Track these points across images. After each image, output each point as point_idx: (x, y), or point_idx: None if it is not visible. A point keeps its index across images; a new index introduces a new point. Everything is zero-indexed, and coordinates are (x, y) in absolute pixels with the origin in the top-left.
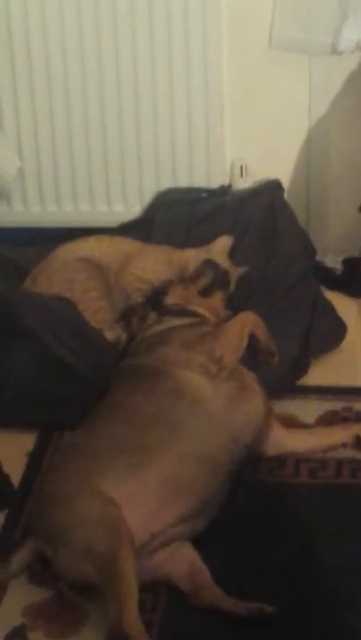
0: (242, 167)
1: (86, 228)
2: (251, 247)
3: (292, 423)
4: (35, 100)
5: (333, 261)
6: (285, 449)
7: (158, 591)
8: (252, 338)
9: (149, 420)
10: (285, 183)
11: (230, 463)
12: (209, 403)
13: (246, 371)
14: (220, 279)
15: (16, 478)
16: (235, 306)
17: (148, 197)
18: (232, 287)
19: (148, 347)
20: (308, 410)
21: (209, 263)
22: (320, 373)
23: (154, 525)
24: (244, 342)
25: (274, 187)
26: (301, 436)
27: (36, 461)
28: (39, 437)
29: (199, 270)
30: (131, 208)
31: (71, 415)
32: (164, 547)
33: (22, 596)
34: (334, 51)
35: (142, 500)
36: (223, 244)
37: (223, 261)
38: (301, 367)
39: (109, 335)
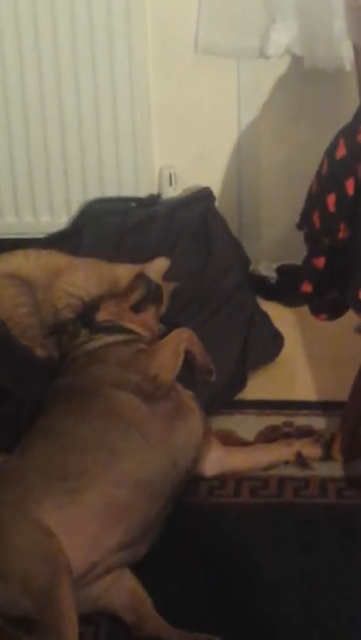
0: (171, 175)
1: (11, 239)
2: (183, 258)
3: (231, 440)
4: None
5: (268, 269)
6: (226, 468)
7: (99, 623)
8: (188, 355)
9: (85, 443)
10: (216, 191)
11: (170, 487)
12: (145, 424)
13: (183, 389)
14: (153, 294)
15: None
16: (168, 320)
17: (75, 207)
18: (165, 304)
19: (81, 366)
20: (248, 425)
21: (141, 278)
22: (258, 387)
23: (93, 554)
24: (180, 360)
25: (205, 195)
26: (241, 454)
27: None
28: None
29: (131, 285)
30: (57, 219)
31: (2, 437)
32: (104, 576)
33: None
34: (263, 55)
35: (80, 528)
36: (159, 264)
37: (157, 281)
38: (239, 382)
39: (40, 353)
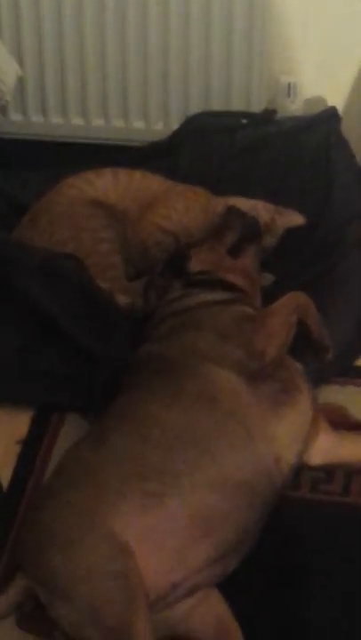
0: (289, 85)
1: (96, 144)
2: (297, 192)
3: (340, 419)
4: None
5: None
6: (334, 458)
7: None
8: (302, 326)
9: (173, 436)
10: (339, 107)
11: (270, 489)
12: (248, 414)
13: (291, 362)
14: (250, 230)
15: (6, 474)
16: (275, 265)
17: (173, 115)
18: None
19: (172, 329)
20: (360, 401)
21: (233, 212)
22: None
23: (176, 572)
24: (291, 333)
25: (328, 116)
26: (355, 442)
27: (30, 452)
28: (34, 421)
29: (223, 223)
30: (152, 126)
31: (73, 396)
32: (186, 597)
33: None
34: None
35: (163, 540)
36: (292, 219)
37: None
38: (355, 350)
39: (121, 299)
